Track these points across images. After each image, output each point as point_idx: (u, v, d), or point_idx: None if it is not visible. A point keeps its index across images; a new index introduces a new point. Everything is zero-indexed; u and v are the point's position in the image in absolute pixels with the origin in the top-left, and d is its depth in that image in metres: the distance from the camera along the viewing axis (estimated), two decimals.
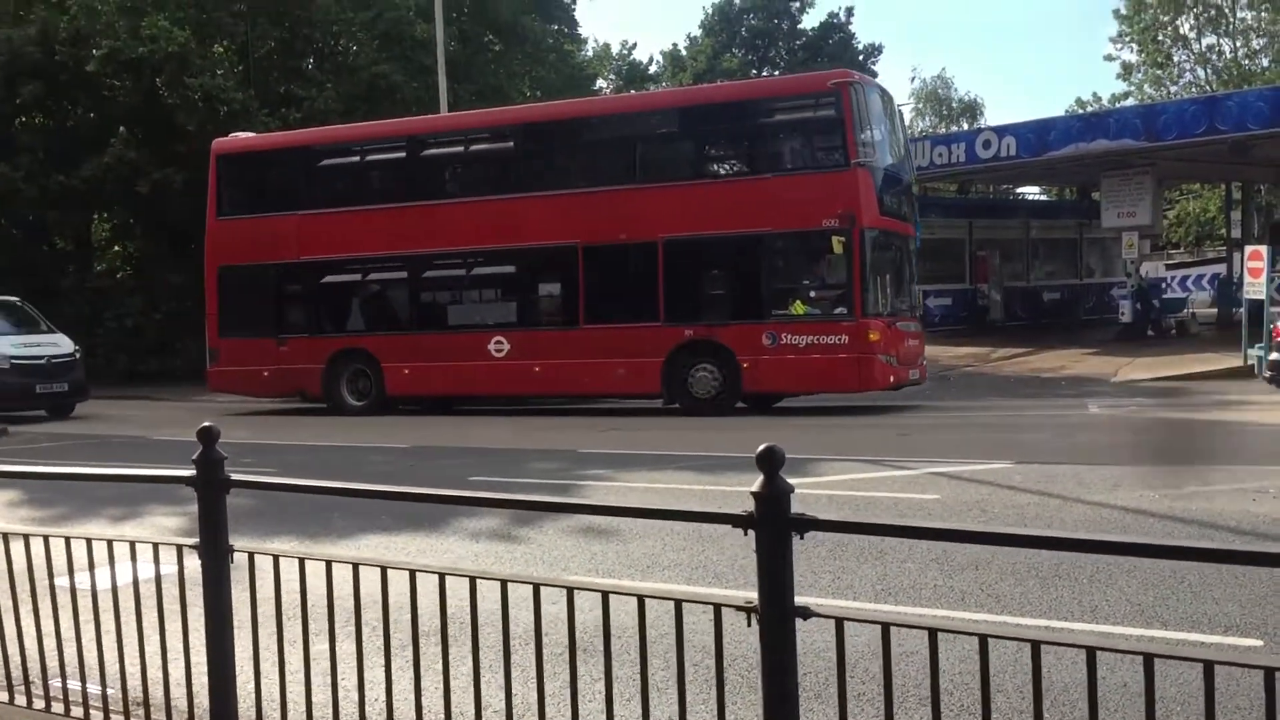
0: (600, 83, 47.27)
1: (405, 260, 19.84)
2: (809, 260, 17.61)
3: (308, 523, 9.03)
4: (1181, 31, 42.38)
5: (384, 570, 3.74)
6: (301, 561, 3.93)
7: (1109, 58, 55.08)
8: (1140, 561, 6.52)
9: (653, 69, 53.44)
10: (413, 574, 3.69)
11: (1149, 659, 2.54)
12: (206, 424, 4.08)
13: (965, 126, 54.56)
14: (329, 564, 3.94)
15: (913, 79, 79.01)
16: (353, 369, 20.11)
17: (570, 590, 3.40)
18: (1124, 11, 43.59)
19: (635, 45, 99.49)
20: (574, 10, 36.69)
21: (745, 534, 3.10)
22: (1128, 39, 43.62)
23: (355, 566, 3.84)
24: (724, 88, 19.42)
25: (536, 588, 3.44)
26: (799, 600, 3.09)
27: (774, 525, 3.04)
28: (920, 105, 61.28)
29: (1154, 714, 2.54)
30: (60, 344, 21.18)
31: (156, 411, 22.90)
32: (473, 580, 3.58)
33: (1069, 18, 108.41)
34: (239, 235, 20.82)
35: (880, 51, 53.97)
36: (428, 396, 20.24)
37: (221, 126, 25.53)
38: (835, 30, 53.62)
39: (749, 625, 3.08)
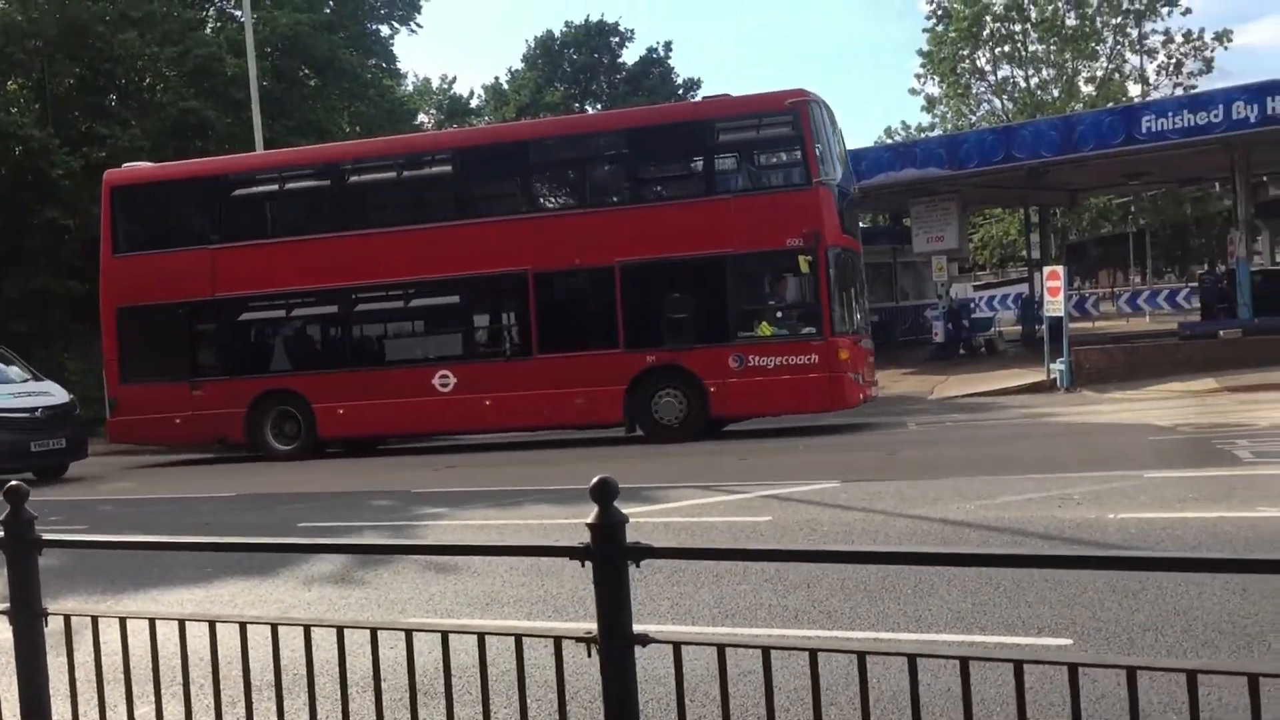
0: (421, 117, 46.92)
1: (338, 294, 18.77)
2: (774, 280, 17.55)
3: (126, 579, 8.63)
4: (979, 64, 44.70)
5: (212, 625, 3.62)
6: (123, 621, 3.77)
7: (913, 91, 57.86)
8: (960, 570, 6.84)
9: (474, 103, 53.38)
10: (243, 626, 3.59)
11: (964, 663, 2.68)
12: (13, 482, 3.89)
13: None
14: (152, 621, 3.80)
15: None
16: (278, 411, 18.88)
17: (409, 633, 3.37)
18: (926, 47, 45.77)
19: (455, 79, 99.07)
20: (392, 45, 36.40)
21: (583, 565, 3.14)
22: (930, 72, 45.75)
23: (181, 623, 3.71)
24: (677, 108, 19.07)
25: (374, 632, 3.40)
26: (638, 628, 3.15)
27: (609, 555, 3.08)
28: None
29: (971, 715, 2.68)
30: (53, 393, 18.31)
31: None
32: (307, 629, 3.50)
33: (878, 51, 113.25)
34: (140, 273, 19.29)
35: (699, 85, 55.22)
36: (366, 437, 19.28)
37: (15, 165, 24.20)
38: (655, 64, 54.65)
39: (589, 656, 3.12)
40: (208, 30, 32.22)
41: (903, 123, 52.33)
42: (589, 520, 3.10)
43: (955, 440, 15.49)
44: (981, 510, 9.32)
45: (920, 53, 45.73)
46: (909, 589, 6.86)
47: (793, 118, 16.96)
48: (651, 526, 9.40)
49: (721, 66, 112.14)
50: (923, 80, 46.28)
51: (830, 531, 9.00)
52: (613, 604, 3.11)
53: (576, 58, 54.13)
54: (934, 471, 11.96)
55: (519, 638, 3.28)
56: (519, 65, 54.98)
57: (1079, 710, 2.53)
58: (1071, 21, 42.72)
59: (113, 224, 19.83)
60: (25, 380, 18.37)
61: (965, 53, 44.36)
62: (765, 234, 16.72)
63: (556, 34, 54.66)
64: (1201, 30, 42.26)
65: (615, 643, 3.08)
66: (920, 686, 2.74)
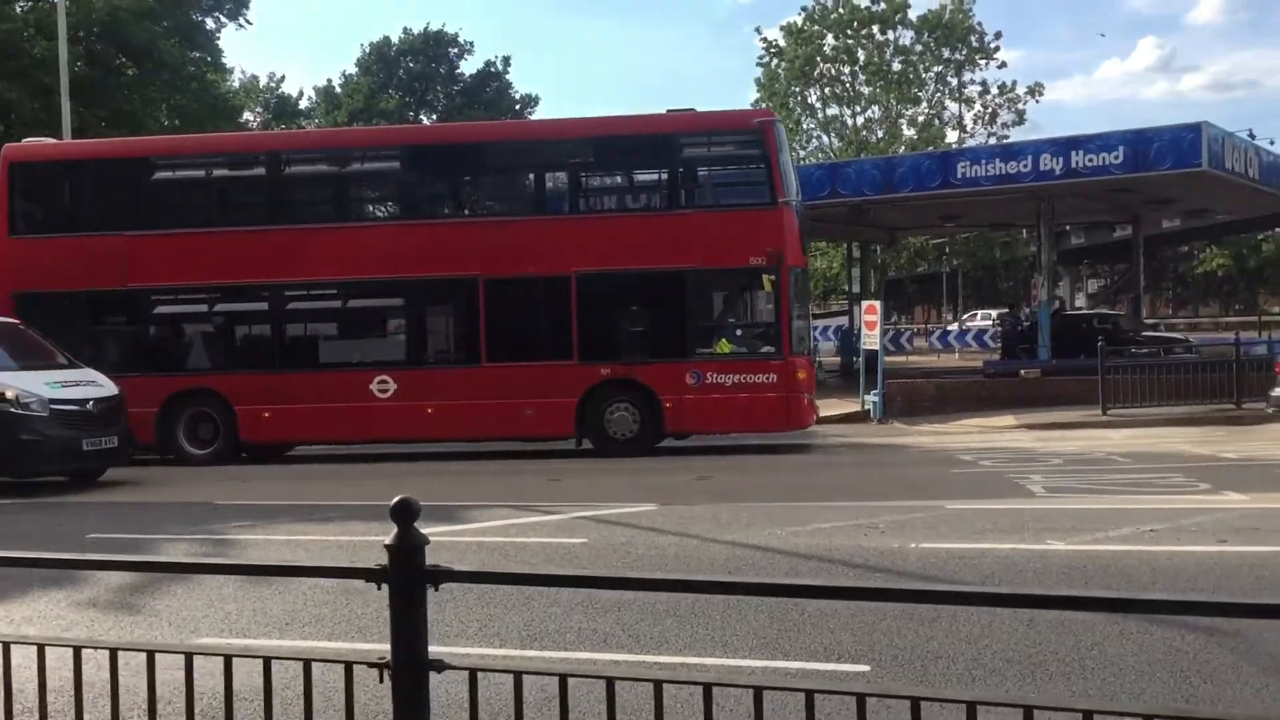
0: (247, 115, 45.45)
1: (268, 290, 17.62)
2: (735, 298, 17.47)
3: None
4: (810, 101, 46.06)
5: None
6: None
7: None
8: (769, 597, 6.94)
9: (304, 104, 52.04)
10: (5, 646, 3.33)
11: (758, 692, 2.69)
12: None
13: None
14: None
15: None
16: (194, 412, 17.52)
17: (188, 655, 3.19)
18: (762, 80, 46.90)
19: (284, 79, 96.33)
20: (218, 39, 35.18)
21: (379, 589, 3.03)
22: (765, 105, 46.87)
23: None
24: (641, 119, 18.38)
25: (151, 655, 3.20)
26: (439, 651, 3.06)
27: (407, 578, 2.99)
28: None
29: None
30: (100, 382, 15.43)
31: None
32: (77, 650, 3.27)
33: (718, 80, 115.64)
34: (40, 258, 17.72)
35: (537, 103, 55.31)
36: (293, 442, 18.28)
37: None
38: (493, 79, 54.40)
39: (380, 682, 3.01)
40: (16, 8, 30.45)
41: None
42: (387, 541, 3.01)
43: (771, 467, 15.80)
44: (792, 537, 9.50)
45: (757, 83, 46.86)
46: (717, 614, 6.92)
47: (759, 136, 16.97)
48: (465, 546, 9.25)
49: (560, 86, 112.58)
50: None
51: (644, 555, 9.02)
52: (408, 628, 3.02)
53: (413, 66, 53.45)
54: (749, 497, 12.16)
55: (308, 662, 3.15)
56: (353, 69, 53.92)
57: None
58: (897, 67, 44.47)
59: (10, 202, 18.16)
60: (67, 366, 15.52)
61: (797, 89, 45.65)
62: (728, 251, 16.64)
63: (394, 40, 53.85)
64: (1015, 83, 44.58)
65: (409, 669, 2.99)
66: (721, 712, 2.74)
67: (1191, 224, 41.80)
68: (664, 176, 18.01)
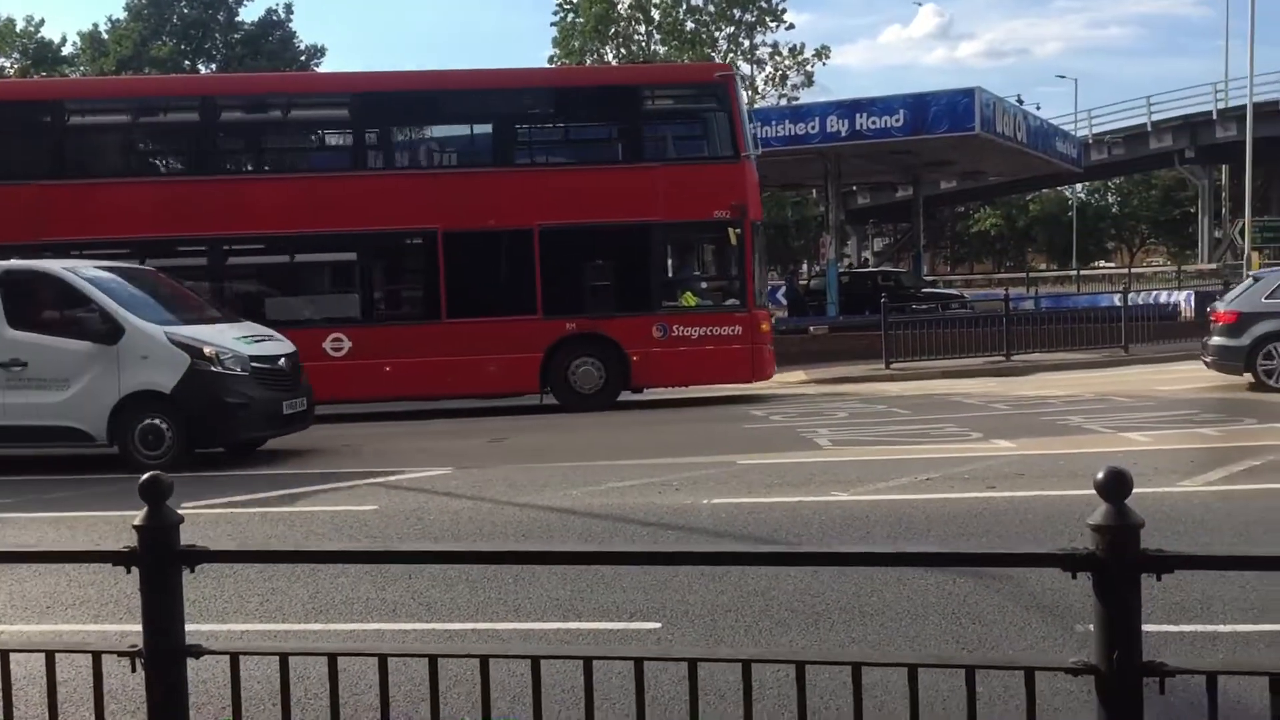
0: (2, 61, 42.17)
1: (207, 244, 16.60)
2: (698, 251, 17.61)
3: None
4: (606, 59, 46.04)
5: None
6: None
7: None
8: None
9: (67, 50, 48.67)
10: None
11: (535, 662, 2.63)
12: None
13: None
14: None
15: None
16: None
17: None
18: (557, 38, 46.58)
19: (43, 22, 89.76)
20: None
21: (129, 572, 2.82)
22: (562, 62, 46.60)
23: None
24: (603, 71, 18.44)
25: None
26: (210, 630, 2.88)
27: (157, 561, 2.79)
28: None
29: (541, 712, 2.62)
30: (276, 336, 13.64)
31: None
32: None
33: (512, 37, 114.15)
34: None
35: (324, 54, 53.35)
36: None
37: None
38: (275, 28, 52.13)
39: (134, 671, 2.80)
40: None
41: None
42: (136, 521, 2.79)
43: (567, 427, 15.80)
44: (586, 497, 9.51)
45: (554, 42, 46.51)
46: (510, 578, 6.84)
47: (720, 90, 17.12)
48: (248, 517, 8.88)
49: (347, 38, 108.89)
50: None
51: (436, 521, 8.86)
52: (161, 614, 2.82)
53: (188, 12, 50.63)
54: (544, 457, 12.12)
55: (51, 654, 2.90)
56: (122, 14, 50.68)
57: (643, 704, 2.54)
58: (690, 26, 44.91)
59: None
60: (224, 319, 13.70)
61: (594, 46, 45.57)
62: (692, 204, 16.76)
63: None
64: (803, 45, 45.73)
65: (162, 657, 2.79)
66: (512, 678, 2.66)
67: (967, 185, 44.01)
68: (626, 129, 17.92)
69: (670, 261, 17.79)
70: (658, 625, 5.97)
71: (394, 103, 17.96)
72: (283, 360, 13.08)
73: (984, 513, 8.50)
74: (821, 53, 45.52)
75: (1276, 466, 9.79)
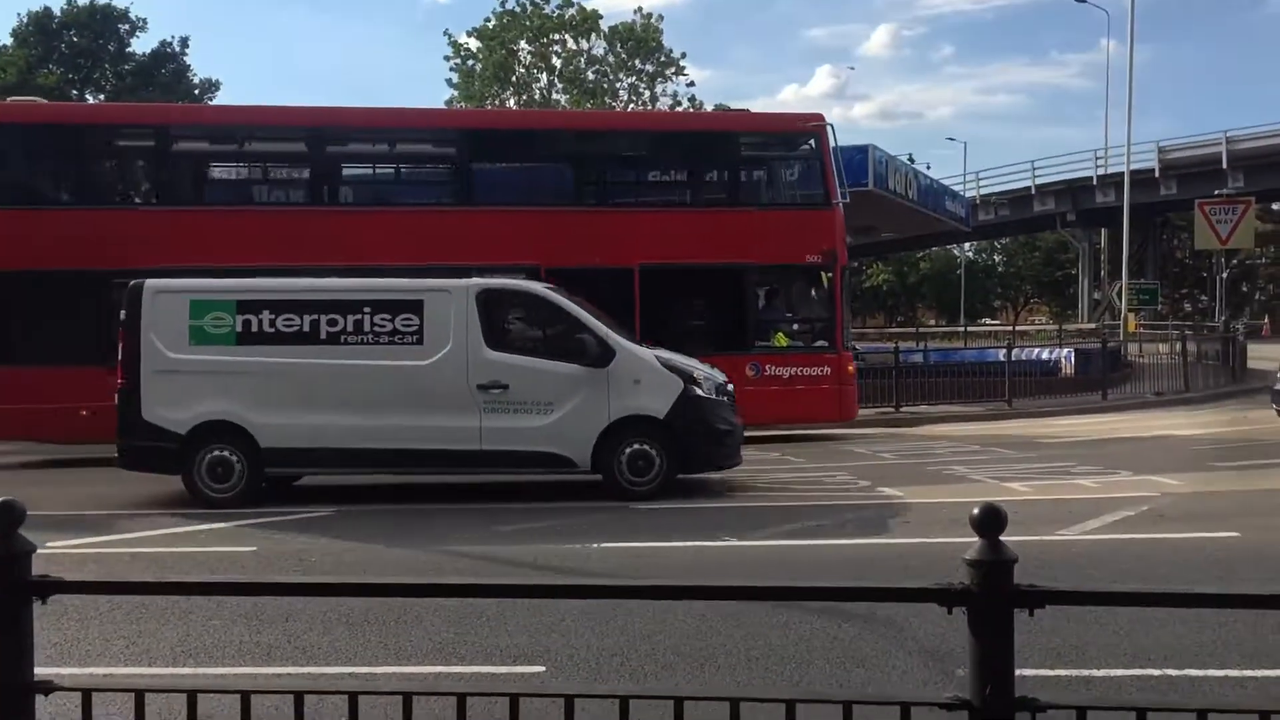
0: None
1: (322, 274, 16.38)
2: (791, 293, 17.92)
3: None
4: (507, 104, 46.12)
5: None
6: None
7: None
8: (446, 600, 6.76)
9: None
10: None
11: (407, 699, 2.54)
12: None
13: None
14: None
15: None
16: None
17: None
18: (455, 82, 46.49)
19: None
20: None
21: None
22: (459, 105, 46.53)
23: None
24: (704, 116, 19.81)
25: None
26: (62, 674, 2.72)
27: (6, 591, 2.63)
28: None
29: None
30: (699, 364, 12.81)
31: None
32: None
33: (412, 79, 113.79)
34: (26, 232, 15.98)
35: (218, 88, 52.39)
36: None
37: None
38: (168, 60, 51.12)
39: None
40: None
41: None
42: None
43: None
44: (478, 541, 9.35)
45: (450, 84, 46.40)
46: (393, 620, 6.68)
47: (814, 138, 17.81)
48: (115, 558, 8.53)
49: (245, 73, 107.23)
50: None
51: (319, 563, 8.62)
52: (9, 647, 2.65)
53: (77, 40, 49.34)
54: (441, 498, 11.89)
55: None
56: (7, 40, 49.21)
57: None
58: (591, 76, 45.29)
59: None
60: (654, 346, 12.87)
61: (495, 91, 45.61)
62: (787, 248, 17.17)
63: (56, 11, 49.58)
64: (701, 101, 46.35)
65: (8, 694, 2.63)
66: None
67: (860, 241, 44.94)
68: (725, 173, 18.48)
69: (764, 302, 18.16)
70: (542, 669, 5.87)
71: (503, 140, 18.47)
72: (731, 387, 12.69)
73: (872, 558, 8.59)
74: (720, 108, 46.26)
75: (1148, 517, 10.10)
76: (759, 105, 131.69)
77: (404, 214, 17.55)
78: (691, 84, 46.27)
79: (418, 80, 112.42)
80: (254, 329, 11.32)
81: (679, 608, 6.65)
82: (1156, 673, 5.64)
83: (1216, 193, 31.91)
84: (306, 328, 11.30)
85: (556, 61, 45.16)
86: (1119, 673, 5.69)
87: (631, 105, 44.55)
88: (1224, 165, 42.21)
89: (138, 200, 17.72)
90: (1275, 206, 60.31)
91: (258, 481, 11.41)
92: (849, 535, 9.42)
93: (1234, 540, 9.00)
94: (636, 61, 44.98)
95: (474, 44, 45.14)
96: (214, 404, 11.25)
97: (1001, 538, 2.41)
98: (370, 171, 19.00)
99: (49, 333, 15.87)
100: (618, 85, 45.30)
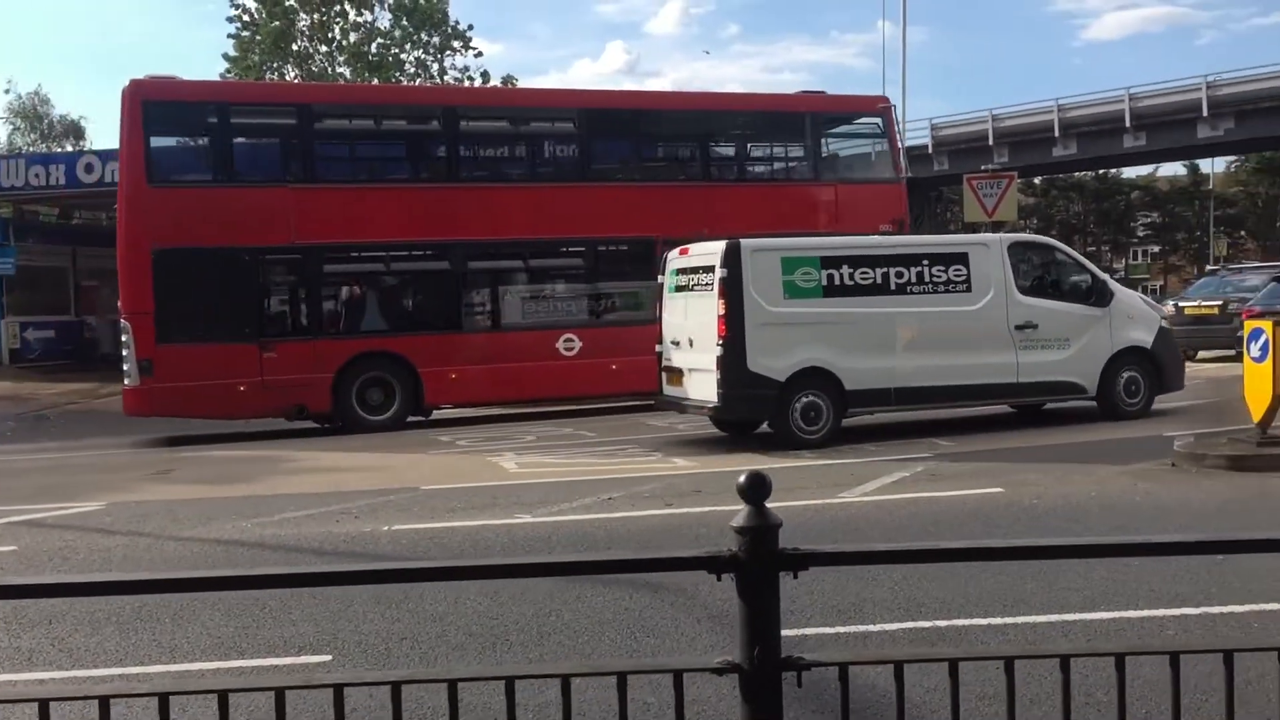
0: None
1: (447, 248, 17.44)
2: None
3: None
4: (288, 77, 44.35)
5: None
6: None
7: None
8: (223, 594, 6.49)
9: None
10: None
11: (164, 699, 2.41)
12: None
13: (69, 148, 51.28)
14: None
15: (6, 91, 71.92)
16: (367, 377, 16.71)
17: None
18: (233, 54, 44.40)
19: None
20: None
21: None
22: (237, 77, 44.54)
23: None
24: (787, 98, 20.99)
25: None
26: None
27: None
28: (16, 121, 56.18)
29: None
30: None
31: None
32: None
33: (190, 53, 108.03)
34: (186, 209, 16.09)
35: None
36: (478, 403, 18.09)
37: None
38: None
39: None
40: None
41: None
42: None
43: (244, 460, 15.01)
44: (258, 528, 9.03)
45: (226, 57, 44.30)
46: (167, 618, 6.38)
47: (883, 118, 19.76)
48: None
49: (17, 50, 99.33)
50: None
51: (86, 560, 8.14)
52: None
53: None
54: (218, 487, 11.45)
55: None
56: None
57: None
58: (374, 49, 44.08)
59: (147, 145, 16.19)
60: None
61: (274, 63, 43.83)
62: (862, 218, 18.05)
63: None
64: (488, 74, 45.68)
65: None
66: None
67: None
68: (809, 150, 19.94)
69: None
70: (329, 658, 5.72)
71: (615, 119, 19.48)
72: None
73: (663, 528, 8.72)
74: (508, 81, 45.78)
75: (922, 477, 10.63)
76: (552, 80, 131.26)
77: (533, 190, 18.66)
78: (479, 55, 45.61)
79: (196, 53, 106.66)
80: (836, 282, 12.79)
81: (471, 588, 6.59)
82: (927, 624, 5.93)
83: (983, 168, 33.72)
84: (879, 279, 12.89)
85: (336, 32, 43.74)
86: (893, 626, 5.97)
87: (419, 79, 43.63)
88: (990, 142, 44.55)
89: (289, 179, 17.44)
90: (1036, 181, 64.22)
91: (839, 423, 12.74)
92: (642, 507, 9.53)
93: (998, 495, 9.58)
94: (423, 34, 44.03)
95: (251, 3, 43.05)
96: (808, 352, 12.66)
97: (767, 503, 2.46)
98: (503, 150, 19.81)
99: (206, 310, 16.14)
100: (404, 59, 44.25)
